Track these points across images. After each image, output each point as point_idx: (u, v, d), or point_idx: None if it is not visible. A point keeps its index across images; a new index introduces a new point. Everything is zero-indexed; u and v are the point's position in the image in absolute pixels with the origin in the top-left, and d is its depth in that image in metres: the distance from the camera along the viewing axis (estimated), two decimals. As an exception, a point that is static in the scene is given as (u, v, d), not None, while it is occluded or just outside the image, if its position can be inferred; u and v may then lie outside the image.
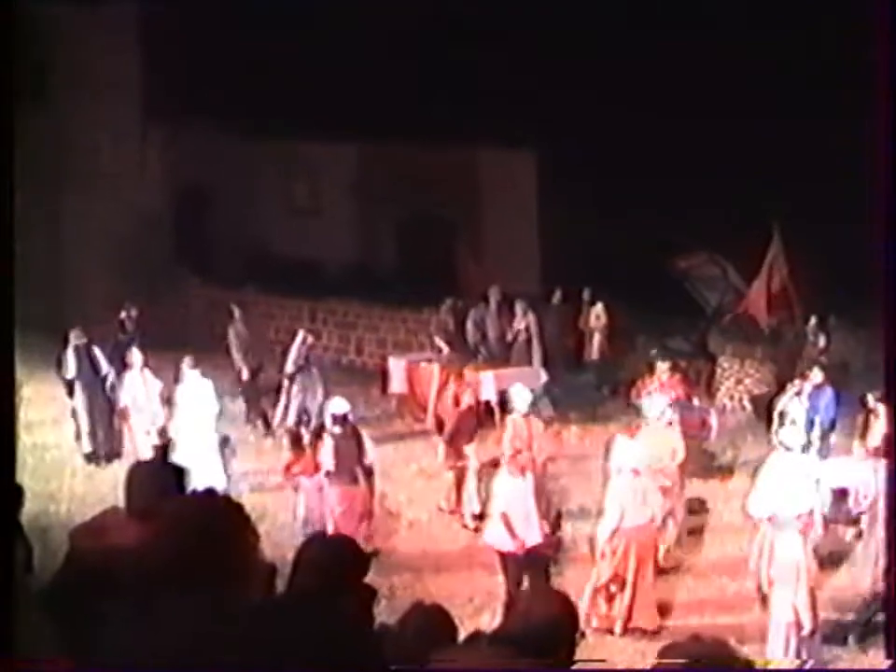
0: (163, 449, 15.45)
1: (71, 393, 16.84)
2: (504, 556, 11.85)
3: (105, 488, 14.17)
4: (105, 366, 16.76)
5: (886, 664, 8.92)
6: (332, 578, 3.91)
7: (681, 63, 21.28)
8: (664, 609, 11.90)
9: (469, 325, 20.07)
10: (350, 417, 13.46)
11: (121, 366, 16.82)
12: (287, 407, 17.84)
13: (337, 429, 13.11)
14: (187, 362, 15.79)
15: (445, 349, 18.65)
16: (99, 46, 24.19)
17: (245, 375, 18.67)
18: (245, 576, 3.26)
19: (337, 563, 4.02)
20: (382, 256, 25.50)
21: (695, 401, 16.34)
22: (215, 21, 23.50)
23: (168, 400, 15.96)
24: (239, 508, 3.51)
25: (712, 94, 20.96)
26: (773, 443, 13.22)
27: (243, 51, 23.49)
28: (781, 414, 14.69)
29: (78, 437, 16.81)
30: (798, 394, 15.04)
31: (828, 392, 15.12)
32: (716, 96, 20.88)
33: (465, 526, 14.36)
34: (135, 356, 16.26)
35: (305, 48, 23.32)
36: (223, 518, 3.33)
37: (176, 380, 15.90)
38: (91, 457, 16.63)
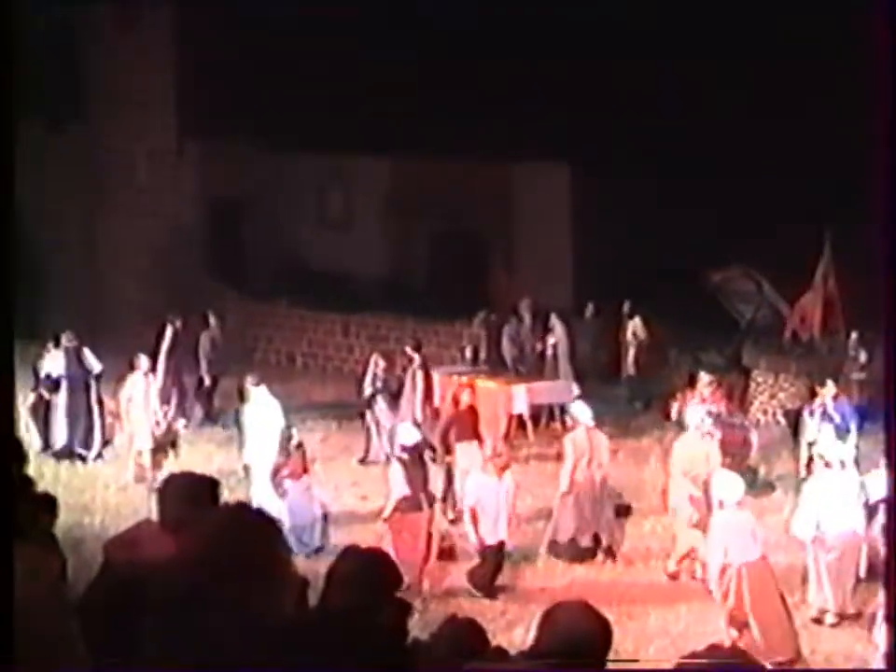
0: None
1: (52, 390, 17.27)
2: (478, 549, 12.58)
3: (139, 500, 14.22)
4: (97, 365, 17.28)
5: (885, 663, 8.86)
6: (366, 592, 3.91)
7: (717, 76, 21.21)
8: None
9: (505, 339, 20.07)
10: (421, 446, 13.48)
11: (129, 366, 17.17)
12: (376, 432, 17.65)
13: (405, 456, 13.08)
14: (250, 380, 15.75)
15: (417, 358, 18.26)
16: (135, 64, 24.39)
17: (207, 382, 19.13)
18: (277, 589, 3.25)
19: (371, 577, 4.01)
20: (414, 269, 25.51)
21: (736, 419, 16.30)
22: (249, 38, 23.63)
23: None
24: (271, 521, 3.50)
25: (750, 109, 20.89)
26: (807, 458, 13.13)
27: (277, 67, 23.60)
28: (801, 429, 14.65)
29: (52, 430, 17.22)
30: (813, 412, 14.94)
31: (846, 405, 15.00)
32: (754, 111, 20.81)
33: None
34: (143, 360, 16.58)
35: (339, 63, 23.39)
36: (256, 531, 3.33)
37: (242, 398, 15.85)
38: (61, 453, 16.99)
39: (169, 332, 19.11)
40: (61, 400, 17.19)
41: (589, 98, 21.78)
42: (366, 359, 18.63)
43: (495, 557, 12.59)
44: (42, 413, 17.32)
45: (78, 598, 4.12)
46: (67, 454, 16.99)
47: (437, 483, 14.29)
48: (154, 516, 4.80)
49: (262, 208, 25.43)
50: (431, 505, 13.14)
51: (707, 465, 13.09)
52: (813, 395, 16.18)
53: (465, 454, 14.97)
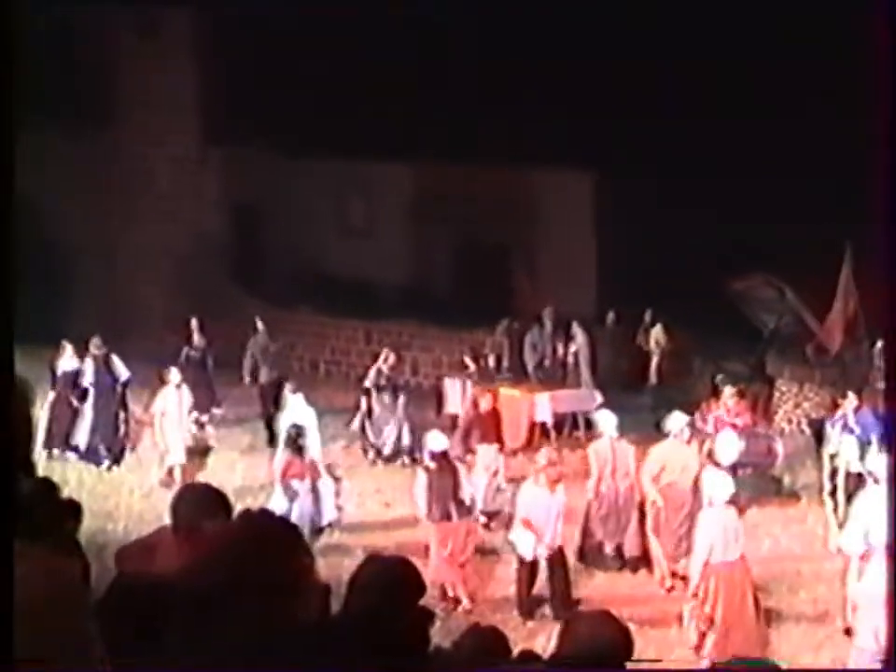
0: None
1: (81, 397, 17.28)
2: (521, 561, 12.29)
3: (162, 506, 14.21)
4: (125, 372, 17.25)
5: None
6: (388, 599, 3.90)
7: (738, 83, 21.16)
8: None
9: (527, 346, 20.07)
10: (449, 453, 13.39)
11: (199, 386, 17.45)
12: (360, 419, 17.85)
13: (432, 464, 12.94)
14: (288, 387, 15.81)
15: (472, 367, 18.57)
16: (158, 70, 24.49)
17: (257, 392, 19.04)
18: (298, 596, 3.25)
19: (394, 584, 4.00)
20: (437, 277, 25.51)
21: (760, 429, 16.25)
22: (271, 44, 23.70)
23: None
24: (292, 527, 3.50)
25: (772, 116, 20.82)
26: (830, 470, 13.06)
27: (299, 73, 23.66)
28: (824, 441, 14.57)
29: (76, 433, 17.24)
30: (835, 423, 14.87)
31: (869, 415, 14.92)
32: (776, 119, 20.74)
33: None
34: (173, 373, 16.53)
35: (362, 69, 23.43)
36: (277, 537, 3.32)
37: (277, 405, 15.91)
38: (85, 455, 17.06)
39: (196, 336, 19.31)
40: (87, 407, 17.18)
41: (612, 104, 21.75)
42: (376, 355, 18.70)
43: (558, 569, 12.32)
44: (63, 413, 17.36)
45: (96, 603, 4.13)
46: (90, 458, 17.04)
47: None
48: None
49: (284, 215, 25.48)
50: (461, 515, 12.91)
51: (685, 474, 13.11)
52: (836, 406, 16.11)
53: (485, 456, 15.04)
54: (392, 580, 4.02)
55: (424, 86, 23.12)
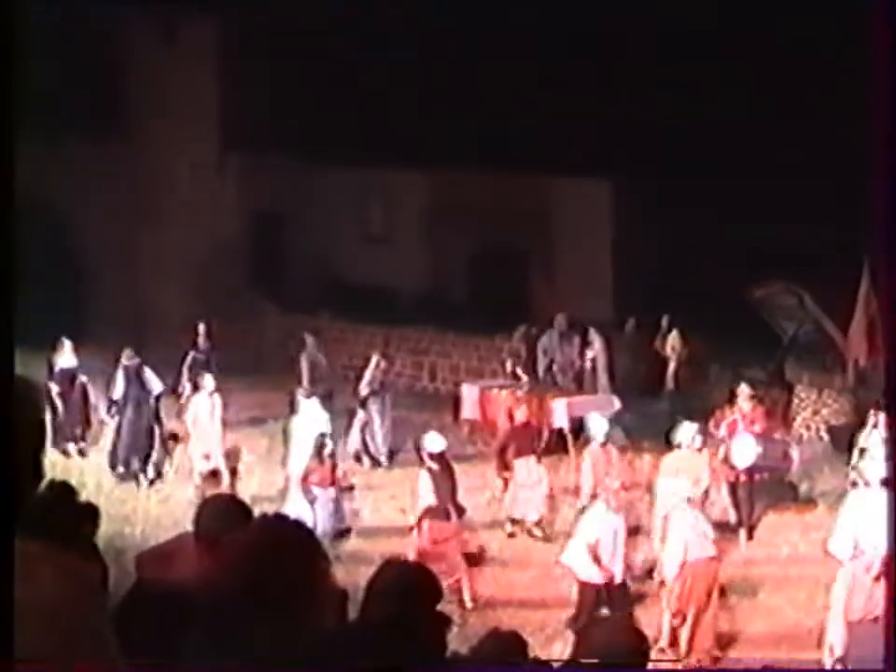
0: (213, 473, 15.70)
1: (113, 412, 17.05)
2: (584, 585, 11.87)
3: (180, 511, 14.27)
4: (158, 385, 16.92)
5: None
6: (405, 605, 3.89)
7: (756, 90, 21.11)
8: (728, 641, 11.75)
9: (539, 352, 20.05)
10: (446, 454, 13.50)
11: (194, 386, 17.09)
12: (360, 429, 17.88)
13: (433, 465, 13.09)
14: (301, 392, 15.78)
15: (524, 378, 18.52)
16: (178, 77, 24.57)
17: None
18: (315, 602, 3.24)
19: (411, 590, 3.99)
20: (455, 283, 25.53)
21: (777, 434, 16.18)
22: (290, 52, 23.76)
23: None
24: (310, 532, 3.50)
25: (790, 122, 20.76)
26: (852, 479, 13.02)
27: (317, 81, 23.71)
28: (861, 450, 14.46)
29: (112, 454, 16.95)
30: (875, 426, 14.79)
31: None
32: (793, 124, 20.68)
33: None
34: (208, 380, 16.32)
35: (379, 77, 23.47)
36: (294, 542, 3.32)
37: (292, 410, 15.89)
38: (123, 475, 16.70)
39: (200, 340, 19.31)
40: (123, 421, 16.82)
41: (629, 111, 21.73)
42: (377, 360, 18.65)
43: (620, 597, 11.96)
44: (67, 410, 17.32)
45: (115, 608, 4.14)
46: (130, 477, 16.65)
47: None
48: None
49: (303, 221, 25.54)
50: (460, 515, 13.15)
51: (698, 485, 13.03)
52: (860, 412, 16.04)
53: (522, 469, 14.91)
54: (409, 585, 4.01)
55: (443, 94, 23.14)
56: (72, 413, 17.59)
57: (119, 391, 16.83)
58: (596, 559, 11.73)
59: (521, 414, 15.59)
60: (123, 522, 14.65)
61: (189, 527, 4.75)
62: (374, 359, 18.19)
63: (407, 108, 23.37)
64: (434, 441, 13.47)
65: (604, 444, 13.91)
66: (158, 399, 16.93)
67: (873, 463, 12.97)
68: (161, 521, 14.67)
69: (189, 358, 19.07)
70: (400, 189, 25.51)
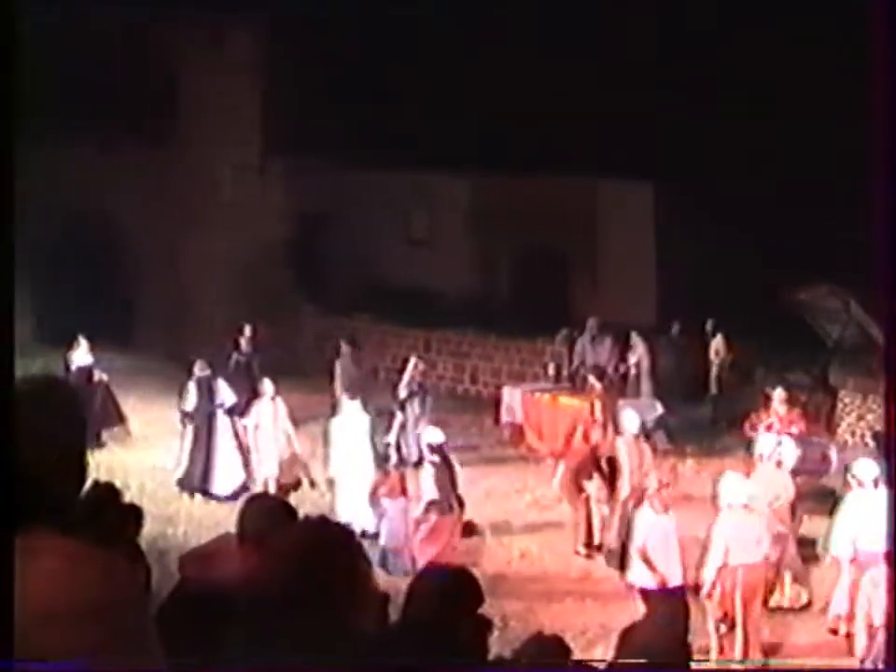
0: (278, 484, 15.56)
1: (187, 423, 16.82)
2: (646, 593, 11.60)
3: (222, 512, 14.34)
4: (230, 397, 16.65)
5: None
6: (447, 608, 3.89)
7: (799, 93, 20.97)
8: (773, 650, 11.65)
9: (577, 355, 19.98)
10: (445, 447, 13.62)
11: (244, 391, 17.04)
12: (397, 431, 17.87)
13: (435, 458, 13.28)
14: (346, 394, 15.77)
15: (598, 386, 18.17)
16: (222, 80, 24.71)
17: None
18: (356, 605, 3.25)
19: (452, 593, 3.99)
20: (497, 286, 25.51)
21: (815, 437, 16.02)
22: (334, 55, 23.84)
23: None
24: (351, 534, 3.51)
25: (831, 124, 20.61)
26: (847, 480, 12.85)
27: (360, 83, 23.77)
28: None
29: (183, 466, 16.72)
30: None
31: None
32: (835, 127, 20.52)
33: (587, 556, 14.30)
34: (267, 385, 16.13)
35: (423, 79, 23.50)
36: (336, 544, 3.33)
37: (333, 411, 15.87)
38: (197, 490, 16.41)
39: (243, 342, 19.38)
40: (192, 432, 16.61)
41: (673, 114, 21.65)
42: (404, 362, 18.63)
43: (679, 604, 11.41)
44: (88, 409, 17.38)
45: (158, 609, 4.16)
46: (202, 492, 16.34)
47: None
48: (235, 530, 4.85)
49: (346, 224, 25.60)
50: (462, 507, 13.37)
51: (787, 493, 12.74)
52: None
53: (593, 489, 14.57)
54: (450, 589, 4.01)
55: (486, 97, 23.14)
56: (89, 406, 17.50)
57: (191, 403, 16.60)
58: (648, 563, 11.51)
59: (597, 435, 15.08)
60: (166, 523, 14.73)
61: (232, 529, 4.78)
62: (412, 361, 18.20)
63: (450, 111, 23.38)
64: (434, 434, 13.71)
65: (636, 438, 13.90)
66: (230, 411, 16.61)
67: (864, 462, 12.78)
68: (203, 522, 14.74)
69: (231, 361, 19.11)
70: (443, 192, 25.52)
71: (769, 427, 15.18)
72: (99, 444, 17.35)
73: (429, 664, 3.65)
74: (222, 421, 16.52)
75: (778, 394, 15.58)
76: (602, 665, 5.37)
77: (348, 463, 14.84)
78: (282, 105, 24.36)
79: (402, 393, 17.74)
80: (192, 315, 24.74)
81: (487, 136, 22.85)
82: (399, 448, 17.52)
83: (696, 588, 11.73)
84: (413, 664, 3.58)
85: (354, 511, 14.02)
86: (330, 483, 15.13)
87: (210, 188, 25.14)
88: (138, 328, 24.06)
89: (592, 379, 17.33)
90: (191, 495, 16.33)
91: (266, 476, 15.83)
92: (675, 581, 11.46)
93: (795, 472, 14.23)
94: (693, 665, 9.94)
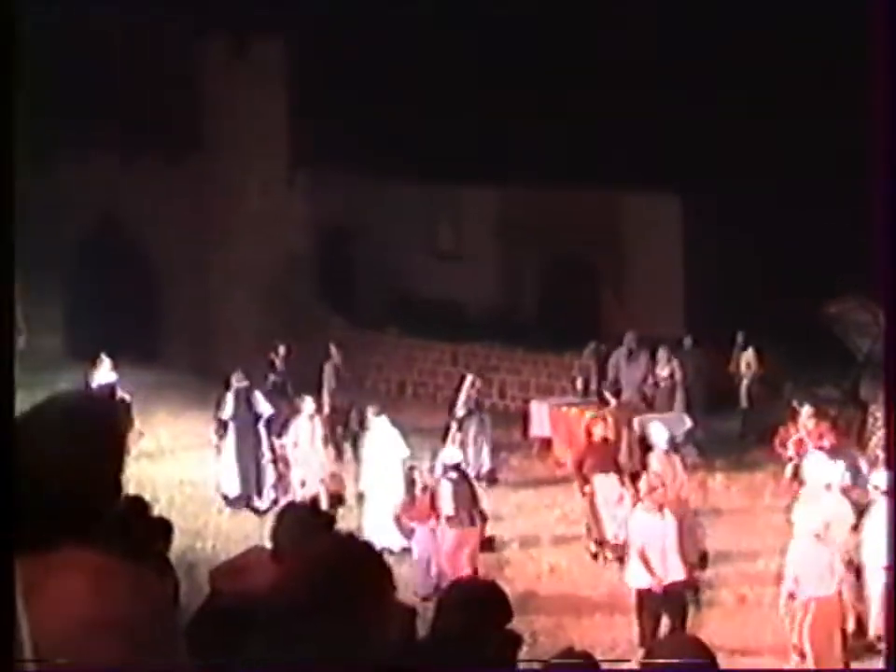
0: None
1: (222, 434, 16.79)
2: (641, 594, 11.82)
3: (251, 526, 14.35)
4: (267, 409, 16.62)
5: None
6: (475, 623, 3.87)
7: (824, 104, 20.89)
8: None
9: (609, 370, 19.91)
10: (462, 466, 13.95)
11: (280, 408, 17.00)
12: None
13: (453, 475, 13.49)
14: (371, 410, 15.74)
15: (612, 400, 18.31)
16: (248, 93, 24.80)
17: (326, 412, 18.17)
18: (382, 620, 3.24)
19: (481, 608, 3.97)
20: (524, 299, 25.49)
21: (846, 450, 15.88)
22: (361, 66, 23.91)
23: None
24: (378, 552, 3.50)
25: (863, 139, 20.51)
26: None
27: (388, 95, 23.83)
28: None
29: (222, 478, 16.71)
30: None
31: None
32: (867, 141, 20.42)
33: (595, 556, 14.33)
34: (308, 403, 16.07)
35: (451, 92, 23.55)
36: (362, 561, 3.32)
37: (362, 427, 15.85)
38: (235, 502, 16.41)
39: (278, 362, 19.32)
40: (229, 444, 16.53)
41: (701, 127, 21.61)
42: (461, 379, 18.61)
43: (678, 601, 11.78)
44: None
45: (187, 622, 4.15)
46: (243, 504, 16.30)
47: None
48: (265, 543, 4.84)
49: (373, 237, 25.65)
50: (484, 521, 13.66)
51: (844, 525, 12.17)
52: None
53: (603, 485, 14.80)
54: (479, 604, 3.99)
55: (513, 111, 23.16)
56: None
57: (228, 412, 16.55)
58: (646, 564, 11.63)
59: (600, 430, 15.46)
60: (195, 536, 14.73)
61: (260, 542, 4.77)
62: (469, 378, 18.14)
63: (478, 124, 23.41)
64: (451, 454, 14.08)
65: (667, 453, 13.84)
66: (268, 422, 16.57)
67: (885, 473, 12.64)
68: (231, 535, 14.75)
69: (268, 381, 18.94)
70: (470, 205, 25.53)
71: (799, 443, 15.07)
72: None
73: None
74: (263, 433, 16.49)
75: (806, 410, 15.52)
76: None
77: (377, 479, 14.83)
78: (309, 117, 24.42)
79: (459, 412, 17.62)
80: (220, 328, 24.81)
81: (515, 149, 22.87)
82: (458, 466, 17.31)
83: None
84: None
85: (380, 528, 14.01)
86: (360, 497, 15.12)
87: (237, 200, 25.23)
88: (165, 341, 24.14)
89: (608, 395, 17.49)
90: (236, 506, 16.23)
91: (307, 494, 15.46)
92: (670, 578, 11.62)
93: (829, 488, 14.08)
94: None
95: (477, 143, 23.07)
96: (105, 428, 2.24)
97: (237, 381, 16.63)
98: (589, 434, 15.63)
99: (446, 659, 3.73)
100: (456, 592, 4.07)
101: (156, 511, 10.00)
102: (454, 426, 17.52)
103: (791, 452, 15.08)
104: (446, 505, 13.29)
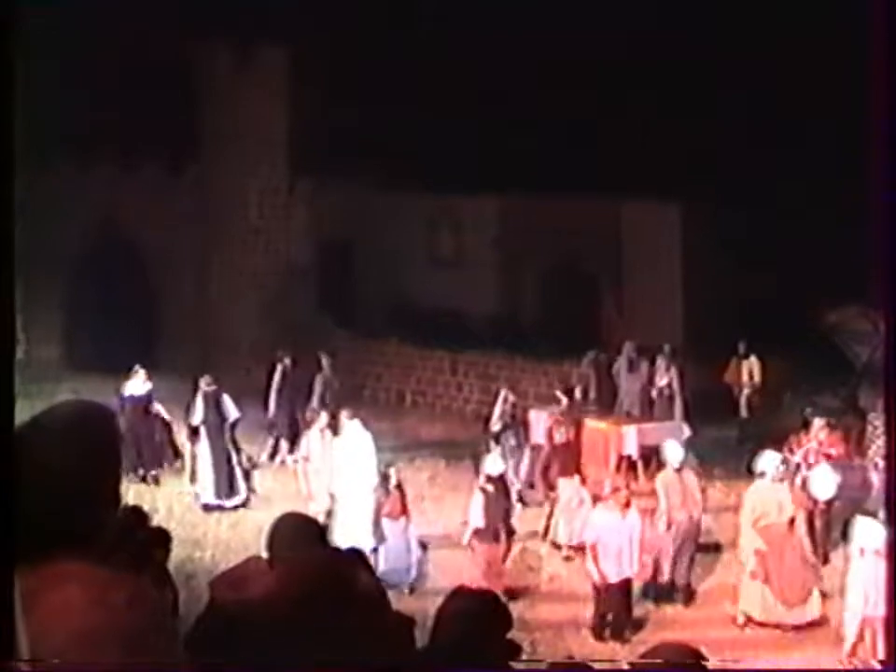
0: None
1: (195, 439, 16.93)
2: (594, 587, 12.32)
3: (249, 536, 14.32)
4: (234, 412, 16.84)
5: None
6: (475, 632, 3.86)
7: (824, 114, 20.92)
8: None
9: (613, 378, 19.93)
10: (505, 478, 13.59)
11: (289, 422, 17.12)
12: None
13: (489, 487, 13.13)
14: (345, 413, 15.71)
15: (564, 401, 18.19)
16: (249, 103, 24.82)
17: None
18: (383, 629, 3.24)
19: (480, 617, 3.96)
20: (524, 308, 25.49)
21: (855, 460, 15.91)
22: (360, 77, 23.94)
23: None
24: (368, 564, 3.50)
25: (861, 144, 20.53)
26: None
27: (387, 106, 23.86)
28: None
29: (193, 482, 16.84)
30: None
31: None
32: (868, 148, 20.45)
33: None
34: (322, 417, 16.06)
35: (450, 102, 23.57)
36: (359, 573, 3.32)
37: (335, 431, 15.81)
38: (209, 503, 16.57)
39: (279, 371, 19.27)
40: (203, 448, 16.72)
41: (701, 137, 21.63)
42: (495, 394, 18.55)
43: (620, 597, 12.35)
44: (139, 438, 17.29)
45: (187, 632, 4.14)
46: (215, 507, 16.51)
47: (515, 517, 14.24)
48: (263, 552, 4.83)
49: (373, 246, 25.66)
50: (510, 537, 13.27)
51: (780, 514, 12.85)
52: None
53: (565, 490, 14.93)
54: (479, 613, 3.98)
55: (512, 119, 23.18)
56: (146, 441, 17.53)
57: (198, 417, 16.76)
58: (595, 560, 12.13)
59: (560, 435, 15.65)
60: (194, 546, 14.71)
61: (259, 552, 4.75)
62: (503, 393, 18.09)
63: (476, 133, 23.43)
64: (494, 464, 13.63)
65: (679, 471, 13.78)
66: (233, 425, 16.86)
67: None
68: (230, 545, 14.73)
69: (275, 384, 18.96)
70: (470, 214, 25.55)
71: (808, 453, 15.12)
72: (152, 481, 17.26)
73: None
74: (228, 434, 16.75)
75: (818, 422, 15.58)
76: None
77: (349, 483, 14.68)
78: (309, 128, 24.45)
79: (495, 426, 17.57)
80: (219, 336, 24.81)
81: (514, 158, 22.88)
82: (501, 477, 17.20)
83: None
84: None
85: (350, 531, 13.90)
86: (331, 498, 15.03)
87: (237, 209, 25.24)
88: (164, 350, 24.12)
89: (559, 394, 17.53)
90: (210, 508, 16.43)
91: (317, 510, 14.76)
92: (618, 576, 12.11)
93: (835, 498, 14.14)
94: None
95: (476, 152, 23.09)
96: (104, 439, 2.23)
97: (205, 384, 16.84)
98: (551, 438, 15.72)
99: (445, 668, 3.72)
100: (456, 601, 4.06)
101: (154, 521, 10.00)
102: (492, 442, 17.41)
103: (798, 459, 15.09)
104: (475, 517, 13.04)
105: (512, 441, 17.44)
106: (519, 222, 25.02)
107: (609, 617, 12.41)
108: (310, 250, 25.92)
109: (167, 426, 18.02)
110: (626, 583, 12.38)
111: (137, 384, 17.86)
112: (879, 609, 10.70)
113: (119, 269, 24.86)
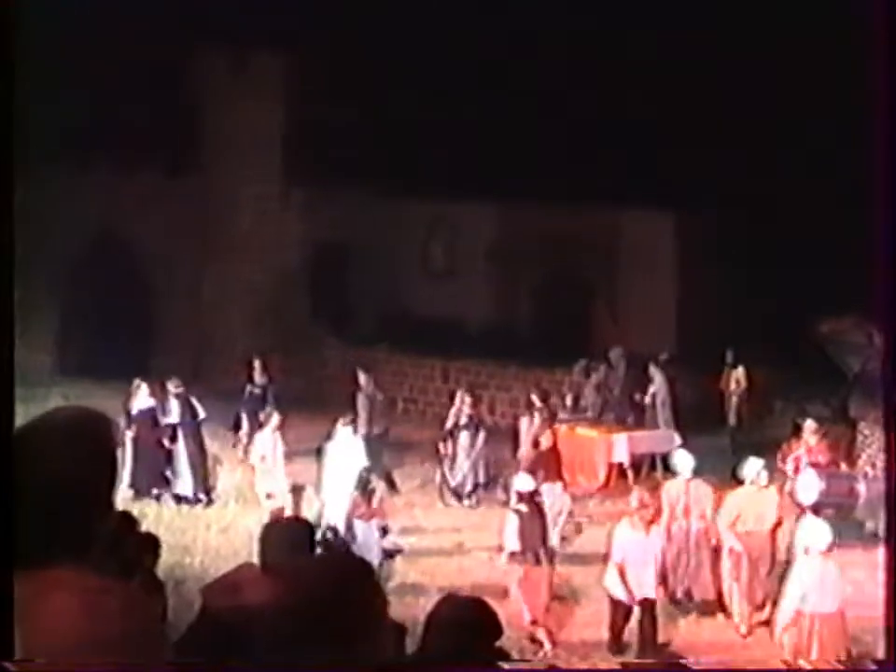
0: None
1: (173, 438, 17.20)
2: (615, 603, 12.08)
3: (239, 542, 14.31)
4: (201, 412, 17.31)
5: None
6: (465, 639, 3.87)
7: (821, 124, 20.99)
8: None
9: (588, 388, 19.96)
10: (537, 496, 13.15)
11: (256, 422, 17.31)
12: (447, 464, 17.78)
13: (523, 507, 12.73)
14: (341, 420, 15.79)
15: (538, 404, 18.17)
16: (243, 109, 24.85)
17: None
18: (373, 636, 3.25)
19: (470, 625, 3.98)
20: (517, 316, 25.51)
21: (843, 469, 15.95)
22: (356, 84, 23.96)
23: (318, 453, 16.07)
24: (370, 570, 3.51)
25: (858, 154, 20.60)
26: None
27: (382, 113, 23.88)
28: None
29: (177, 479, 17.14)
30: None
31: None
32: (864, 157, 20.50)
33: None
34: (274, 417, 16.27)
35: (446, 110, 23.60)
36: (354, 576, 3.33)
37: (328, 436, 15.88)
38: (186, 500, 16.90)
39: (257, 376, 19.45)
40: (181, 449, 17.08)
41: (694, 145, 21.68)
42: (452, 394, 18.62)
43: (647, 614, 12.08)
44: (149, 453, 17.31)
45: (178, 639, 4.15)
46: (192, 501, 16.86)
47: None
48: (254, 559, 4.85)
49: (366, 254, 25.67)
50: (551, 560, 12.77)
51: (761, 521, 12.87)
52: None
53: (549, 495, 14.86)
54: (468, 620, 4.00)
55: (506, 127, 23.21)
56: (154, 455, 17.45)
57: (175, 417, 17.15)
58: (623, 578, 11.85)
59: (546, 441, 15.66)
60: (183, 552, 14.68)
61: (249, 558, 4.77)
62: (459, 394, 18.18)
63: (471, 141, 23.46)
64: (524, 481, 13.13)
65: (688, 481, 13.70)
66: (199, 425, 17.29)
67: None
68: (220, 551, 14.70)
69: (245, 393, 19.24)
70: (463, 222, 25.57)
71: (798, 460, 15.14)
72: (155, 497, 17.21)
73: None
74: (198, 434, 17.22)
75: (809, 425, 15.58)
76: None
77: (337, 487, 14.69)
78: (303, 135, 24.47)
79: (448, 423, 17.67)
80: (213, 344, 24.80)
81: (508, 167, 22.91)
82: (445, 481, 17.42)
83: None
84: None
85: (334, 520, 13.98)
86: (321, 503, 15.10)
87: (232, 216, 25.26)
88: (158, 357, 24.10)
89: (533, 397, 17.55)
90: (189, 503, 16.77)
91: (276, 507, 15.42)
92: (642, 595, 11.91)
93: (822, 505, 14.19)
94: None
95: (470, 161, 23.12)
96: (100, 445, 2.25)
97: (174, 387, 17.25)
98: (536, 444, 15.76)
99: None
100: (445, 609, 4.08)
101: (143, 526, 9.99)
102: (442, 445, 17.48)
103: (789, 468, 15.13)
104: (511, 541, 12.50)
105: (467, 442, 17.48)
106: (512, 231, 25.05)
107: (627, 635, 12.11)
108: (303, 257, 25.92)
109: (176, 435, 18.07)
110: (650, 603, 12.05)
111: (143, 398, 17.69)
112: (822, 607, 10.90)
113: (112, 274, 24.84)
